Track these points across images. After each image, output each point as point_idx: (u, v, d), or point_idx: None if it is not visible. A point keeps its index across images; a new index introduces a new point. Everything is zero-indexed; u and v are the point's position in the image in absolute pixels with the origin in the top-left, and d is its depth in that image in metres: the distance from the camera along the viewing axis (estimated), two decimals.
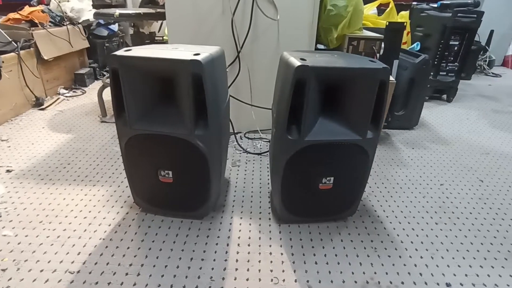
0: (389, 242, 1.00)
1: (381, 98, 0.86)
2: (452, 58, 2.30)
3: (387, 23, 1.54)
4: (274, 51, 1.51)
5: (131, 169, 0.99)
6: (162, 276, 0.84)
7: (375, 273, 0.89)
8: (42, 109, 1.93)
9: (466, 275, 0.89)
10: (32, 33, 1.93)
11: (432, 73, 2.30)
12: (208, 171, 0.94)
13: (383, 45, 1.57)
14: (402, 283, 0.86)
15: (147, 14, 1.62)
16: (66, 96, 2.18)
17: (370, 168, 0.98)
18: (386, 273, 0.88)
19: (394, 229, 1.06)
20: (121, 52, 0.83)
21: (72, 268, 0.85)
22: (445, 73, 2.33)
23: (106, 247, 0.93)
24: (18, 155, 1.40)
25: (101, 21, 2.54)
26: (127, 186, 1.18)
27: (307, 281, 0.85)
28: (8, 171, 1.28)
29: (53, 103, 2.02)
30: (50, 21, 2.14)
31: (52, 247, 0.92)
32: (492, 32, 3.21)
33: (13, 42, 1.82)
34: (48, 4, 2.30)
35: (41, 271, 0.84)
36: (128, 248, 0.93)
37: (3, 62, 1.65)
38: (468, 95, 2.58)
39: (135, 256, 0.90)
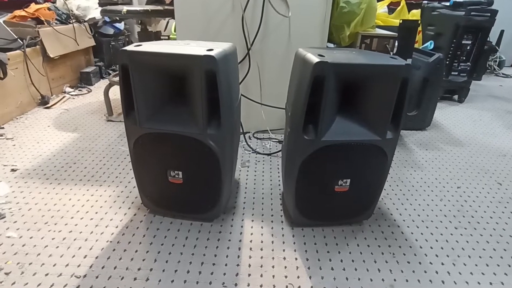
0: (407, 247, 0.96)
1: (402, 97, 0.82)
2: (464, 58, 2.24)
3: (401, 20, 1.49)
4: (285, 49, 1.47)
5: (140, 169, 0.96)
6: (172, 281, 0.81)
7: (394, 280, 0.84)
8: (48, 108, 1.90)
9: (490, 283, 0.85)
10: (38, 30, 1.91)
11: (444, 73, 2.25)
12: (219, 172, 0.91)
13: (396, 44, 1.52)
14: None
15: (155, 11, 1.59)
16: (72, 95, 2.15)
17: (388, 170, 0.94)
18: (407, 281, 0.84)
19: (412, 233, 1.02)
20: (131, 48, 0.79)
21: (78, 272, 0.82)
22: (457, 73, 2.28)
23: (114, 250, 0.90)
24: (23, 154, 1.37)
25: (107, 19, 2.51)
26: (134, 187, 1.15)
27: None
28: (13, 170, 1.25)
29: (58, 101, 2.00)
30: (56, 19, 2.12)
31: (57, 249, 0.89)
32: (502, 32, 3.15)
33: (19, 40, 1.79)
34: (54, 2, 2.28)
35: (46, 275, 0.81)
36: (137, 251, 0.90)
37: (8, 59, 1.62)
38: (480, 96, 2.52)
39: (143, 260, 0.87)
